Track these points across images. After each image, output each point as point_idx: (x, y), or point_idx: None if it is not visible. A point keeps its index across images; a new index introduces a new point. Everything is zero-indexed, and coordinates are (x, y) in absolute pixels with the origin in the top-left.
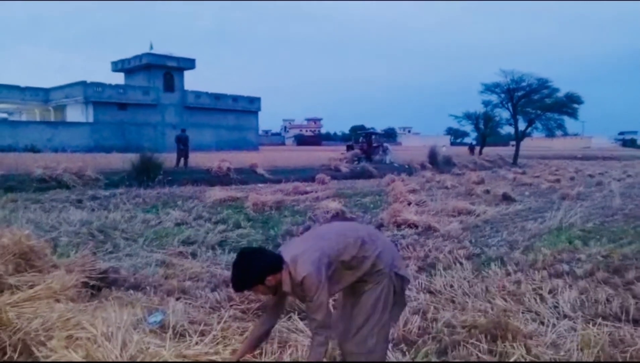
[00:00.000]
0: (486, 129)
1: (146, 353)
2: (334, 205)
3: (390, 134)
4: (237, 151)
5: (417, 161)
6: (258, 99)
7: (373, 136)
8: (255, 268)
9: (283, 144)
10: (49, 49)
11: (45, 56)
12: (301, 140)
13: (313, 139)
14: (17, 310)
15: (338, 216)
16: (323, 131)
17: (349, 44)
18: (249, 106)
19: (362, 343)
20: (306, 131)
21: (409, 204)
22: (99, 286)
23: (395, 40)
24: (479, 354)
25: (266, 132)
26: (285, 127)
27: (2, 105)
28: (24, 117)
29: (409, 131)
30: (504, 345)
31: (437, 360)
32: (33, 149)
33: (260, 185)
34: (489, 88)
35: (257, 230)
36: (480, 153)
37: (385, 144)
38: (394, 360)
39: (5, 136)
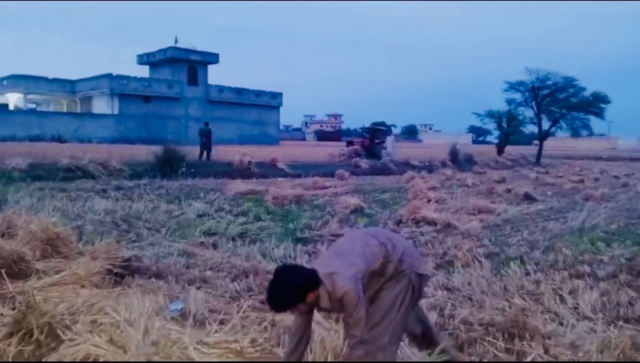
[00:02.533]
0: (509, 128)
1: (167, 339)
2: (353, 201)
3: (410, 131)
4: (258, 145)
5: (438, 159)
6: (280, 95)
7: (376, 132)
8: (295, 287)
9: (303, 139)
10: (74, 40)
11: (71, 46)
12: (321, 136)
13: (333, 134)
14: (43, 294)
15: (356, 211)
16: (344, 126)
17: (371, 40)
18: (271, 101)
19: (375, 340)
20: (327, 126)
21: (429, 201)
22: (122, 273)
23: (417, 37)
24: (496, 352)
25: (287, 127)
26: (306, 122)
27: (30, 96)
28: (51, 108)
29: (431, 129)
30: (522, 344)
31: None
32: (60, 140)
33: (280, 179)
34: (513, 86)
35: (276, 223)
36: (503, 151)
37: (389, 138)
38: (410, 354)
39: (33, 126)
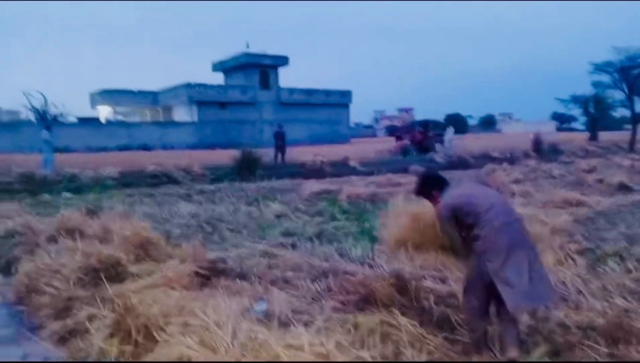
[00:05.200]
0: (597, 113)
1: (254, 341)
2: None
3: (488, 121)
4: (329, 144)
5: (520, 150)
6: (349, 92)
7: (429, 125)
8: (426, 180)
9: (374, 136)
10: (154, 52)
11: (151, 58)
12: (392, 131)
13: (404, 129)
14: (138, 297)
15: None
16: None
17: (442, 26)
18: (341, 100)
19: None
20: (398, 121)
21: (512, 195)
22: (208, 275)
23: (492, 21)
24: (598, 358)
25: (357, 124)
26: (376, 118)
27: (118, 108)
28: (137, 119)
29: (510, 118)
30: (627, 349)
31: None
32: (145, 148)
33: (353, 178)
34: (600, 68)
35: (352, 222)
36: (593, 138)
37: (448, 131)
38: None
39: (122, 137)
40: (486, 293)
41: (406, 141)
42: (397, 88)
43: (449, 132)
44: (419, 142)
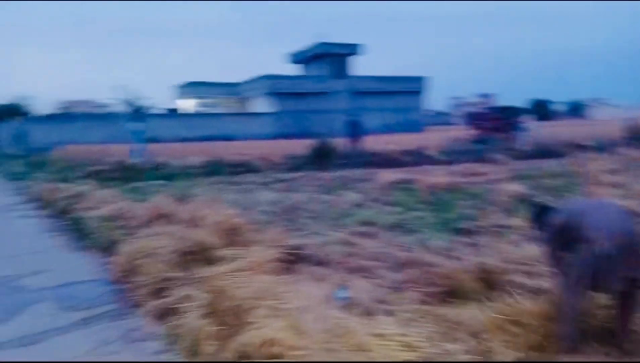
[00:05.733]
0: None
1: (341, 328)
2: (516, 188)
3: (577, 107)
4: (403, 133)
5: (614, 137)
6: (425, 79)
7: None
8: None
9: (450, 123)
10: (234, 45)
11: (232, 51)
12: (470, 118)
13: (483, 116)
14: (228, 280)
15: (521, 199)
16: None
17: (524, 10)
18: (415, 86)
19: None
20: (476, 108)
21: (606, 186)
22: (290, 260)
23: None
24: None
25: (432, 111)
26: (453, 105)
27: (202, 100)
28: (219, 110)
29: (601, 103)
30: None
31: None
32: (228, 138)
33: (430, 167)
34: None
35: (431, 213)
36: None
37: (523, 122)
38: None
39: (207, 127)
40: (586, 290)
41: (482, 129)
42: (477, 73)
43: (529, 119)
44: (497, 130)
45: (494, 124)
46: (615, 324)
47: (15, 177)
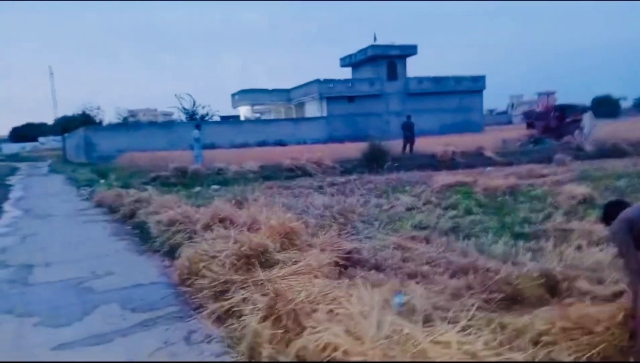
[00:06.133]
0: None
1: (400, 334)
2: (580, 190)
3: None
4: (461, 133)
5: None
6: (482, 78)
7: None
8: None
9: (510, 123)
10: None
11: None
12: (531, 117)
13: (544, 115)
14: (286, 283)
15: (586, 202)
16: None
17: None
18: (472, 86)
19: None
20: (537, 107)
21: None
22: (345, 265)
23: None
24: None
25: (491, 111)
26: (512, 104)
27: (256, 106)
28: (272, 116)
29: None
30: None
31: None
32: (281, 143)
33: (488, 169)
34: None
35: (490, 216)
36: None
37: (585, 117)
38: None
39: (259, 133)
40: None
41: (538, 129)
42: (537, 70)
43: (588, 117)
44: (554, 129)
45: (552, 124)
46: None
47: (83, 184)
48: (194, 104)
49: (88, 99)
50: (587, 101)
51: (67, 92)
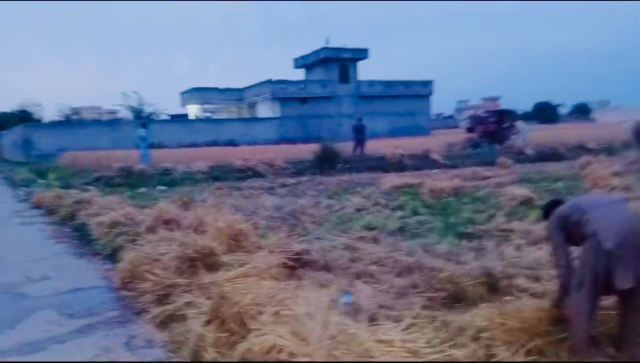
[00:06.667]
0: None
1: (345, 334)
2: (521, 191)
3: (582, 110)
4: (409, 136)
5: (619, 140)
6: (430, 82)
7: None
8: (550, 206)
9: (456, 127)
10: (239, 51)
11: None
12: (476, 122)
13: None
14: (231, 286)
15: (526, 203)
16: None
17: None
18: (421, 90)
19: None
20: (482, 111)
21: (612, 189)
22: (294, 266)
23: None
24: None
25: (438, 115)
26: (459, 109)
27: (206, 105)
28: (223, 115)
29: (607, 105)
30: None
31: None
32: (232, 143)
33: (435, 171)
34: None
35: (435, 217)
36: None
37: (520, 126)
38: None
39: (210, 133)
40: (597, 289)
41: (478, 133)
42: (483, 77)
43: (521, 125)
44: (492, 133)
45: (490, 128)
46: (621, 328)
47: (20, 184)
48: (141, 102)
49: (29, 95)
50: (529, 107)
51: (6, 89)
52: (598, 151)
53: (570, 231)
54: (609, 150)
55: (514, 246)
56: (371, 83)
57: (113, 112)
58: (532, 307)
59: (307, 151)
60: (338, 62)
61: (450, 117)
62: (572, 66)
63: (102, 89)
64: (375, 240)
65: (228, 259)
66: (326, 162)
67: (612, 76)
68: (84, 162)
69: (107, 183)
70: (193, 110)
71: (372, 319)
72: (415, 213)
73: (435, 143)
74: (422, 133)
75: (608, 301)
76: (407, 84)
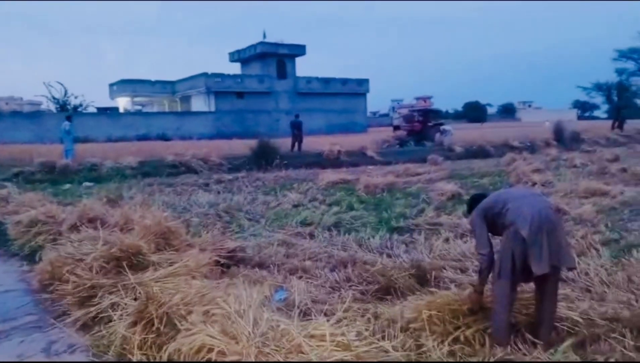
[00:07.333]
0: (620, 101)
1: (276, 331)
2: (449, 187)
3: (507, 110)
4: (346, 133)
5: (540, 138)
6: (366, 81)
7: (429, 114)
8: (474, 201)
9: (391, 125)
10: (173, 43)
11: (170, 49)
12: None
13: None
14: (160, 285)
15: (454, 198)
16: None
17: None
18: (358, 89)
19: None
20: (409, 110)
21: (534, 185)
22: (227, 264)
23: (512, 8)
24: (624, 350)
25: (374, 113)
26: (393, 107)
27: (136, 98)
28: (155, 109)
29: (530, 106)
30: None
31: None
32: (164, 138)
33: (370, 167)
34: (625, 55)
35: (370, 212)
36: (620, 127)
37: (444, 127)
38: (526, 353)
39: (140, 126)
40: (516, 276)
41: (402, 132)
42: (416, 77)
43: (446, 126)
44: (418, 132)
45: (416, 127)
46: (538, 314)
47: None
48: (66, 93)
49: None
50: (459, 106)
51: None
52: (521, 149)
53: (492, 222)
54: (532, 148)
55: (443, 239)
56: (309, 80)
57: (35, 103)
58: (458, 297)
59: (243, 146)
60: (275, 57)
61: (386, 115)
62: (500, 69)
63: (26, 80)
64: (311, 236)
65: (156, 258)
66: (263, 158)
67: (536, 79)
68: (1, 156)
69: (27, 179)
70: (123, 103)
71: (305, 314)
72: (350, 208)
73: (371, 140)
74: (359, 130)
75: (529, 288)
76: (344, 82)
